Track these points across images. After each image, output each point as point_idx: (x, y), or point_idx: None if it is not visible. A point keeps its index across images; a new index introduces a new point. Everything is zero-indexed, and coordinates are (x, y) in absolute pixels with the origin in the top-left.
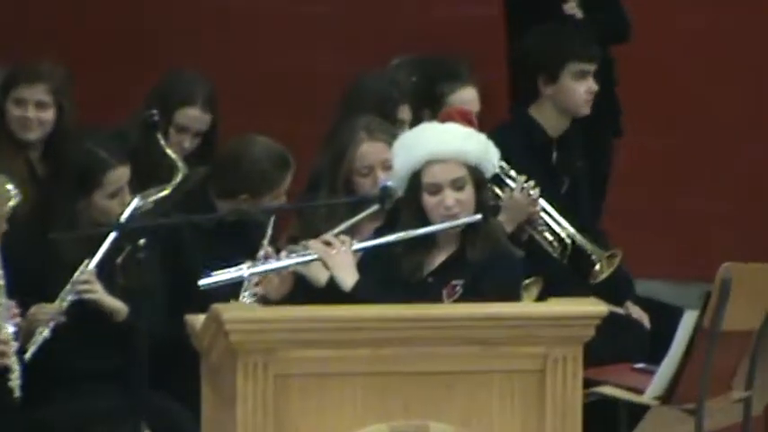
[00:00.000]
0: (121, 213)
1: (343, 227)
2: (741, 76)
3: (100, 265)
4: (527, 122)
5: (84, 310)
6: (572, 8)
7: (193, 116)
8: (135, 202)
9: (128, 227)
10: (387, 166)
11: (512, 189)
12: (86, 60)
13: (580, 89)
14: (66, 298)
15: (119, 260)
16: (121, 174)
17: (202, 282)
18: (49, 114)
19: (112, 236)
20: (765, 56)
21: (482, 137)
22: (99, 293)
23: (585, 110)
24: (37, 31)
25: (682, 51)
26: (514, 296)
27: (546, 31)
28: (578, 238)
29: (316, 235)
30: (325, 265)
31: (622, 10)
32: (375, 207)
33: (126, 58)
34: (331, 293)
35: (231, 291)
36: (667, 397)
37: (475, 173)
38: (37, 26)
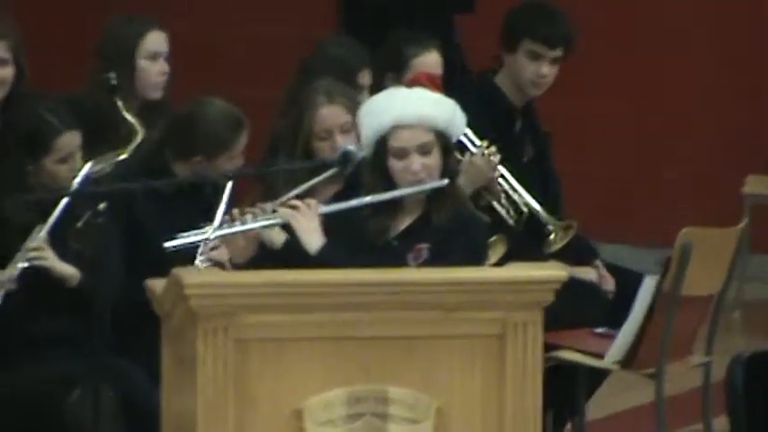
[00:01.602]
0: (72, 179)
1: (300, 189)
2: (697, 40)
3: (52, 231)
4: (491, 90)
5: (38, 276)
6: None
7: (158, 39)
8: (89, 167)
9: (83, 192)
10: (345, 130)
11: (472, 153)
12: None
13: (528, 69)
14: (17, 265)
15: (79, 225)
16: (71, 139)
17: (167, 244)
18: (8, 72)
19: (65, 201)
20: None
21: (450, 102)
22: (50, 260)
23: (533, 91)
24: None
25: None
26: (481, 260)
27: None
28: (535, 207)
29: (277, 199)
30: (291, 229)
31: None
32: (333, 170)
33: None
34: (288, 256)
35: (186, 256)
36: (627, 361)
37: (442, 138)
38: None
